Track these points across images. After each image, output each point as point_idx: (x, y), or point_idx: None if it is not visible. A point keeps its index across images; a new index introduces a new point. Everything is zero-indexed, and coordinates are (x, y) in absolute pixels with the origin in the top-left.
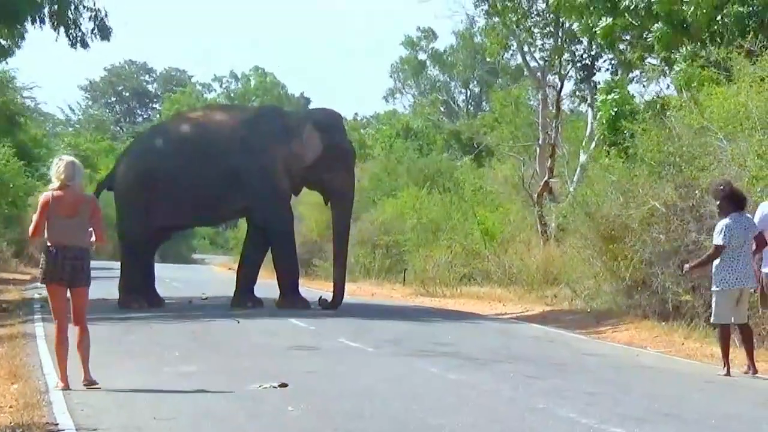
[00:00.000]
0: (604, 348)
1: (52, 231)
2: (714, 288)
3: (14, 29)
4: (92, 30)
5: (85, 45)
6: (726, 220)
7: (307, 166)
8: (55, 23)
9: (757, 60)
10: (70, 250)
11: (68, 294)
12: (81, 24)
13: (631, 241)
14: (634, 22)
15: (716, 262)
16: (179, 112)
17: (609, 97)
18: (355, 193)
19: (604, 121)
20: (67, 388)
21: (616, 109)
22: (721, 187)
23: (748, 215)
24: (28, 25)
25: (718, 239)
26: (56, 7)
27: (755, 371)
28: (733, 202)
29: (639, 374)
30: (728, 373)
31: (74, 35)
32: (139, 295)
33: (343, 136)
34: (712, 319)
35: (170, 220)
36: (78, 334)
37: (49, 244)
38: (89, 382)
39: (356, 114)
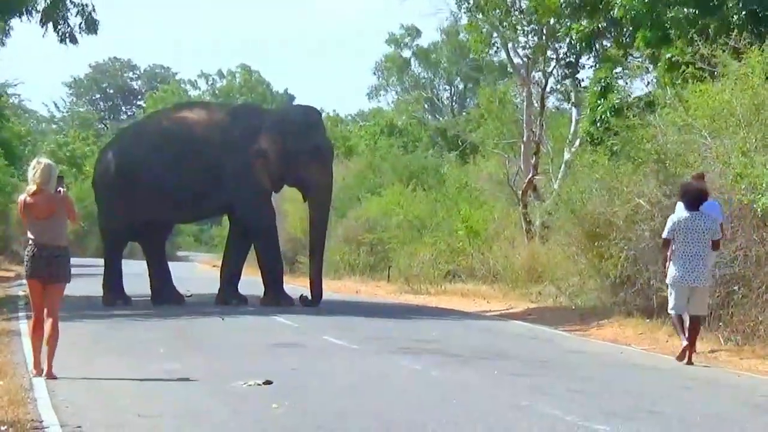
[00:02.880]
0: (588, 345)
1: (31, 231)
2: (666, 281)
3: (2, 23)
4: (80, 25)
5: (73, 40)
6: (674, 216)
7: (284, 163)
8: (43, 18)
9: (742, 57)
10: (48, 248)
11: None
12: (69, 19)
13: (616, 238)
14: (611, 29)
15: (670, 255)
16: (160, 109)
17: (596, 89)
18: (340, 191)
19: (590, 118)
20: (40, 375)
21: (603, 111)
22: (681, 184)
23: (712, 215)
24: (16, 20)
25: (664, 232)
26: (48, 1)
27: (690, 361)
28: (687, 200)
29: (623, 371)
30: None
31: (63, 31)
32: (122, 293)
33: (321, 134)
34: (669, 309)
35: (151, 216)
36: (48, 328)
37: (30, 242)
38: (50, 376)
39: (335, 111)
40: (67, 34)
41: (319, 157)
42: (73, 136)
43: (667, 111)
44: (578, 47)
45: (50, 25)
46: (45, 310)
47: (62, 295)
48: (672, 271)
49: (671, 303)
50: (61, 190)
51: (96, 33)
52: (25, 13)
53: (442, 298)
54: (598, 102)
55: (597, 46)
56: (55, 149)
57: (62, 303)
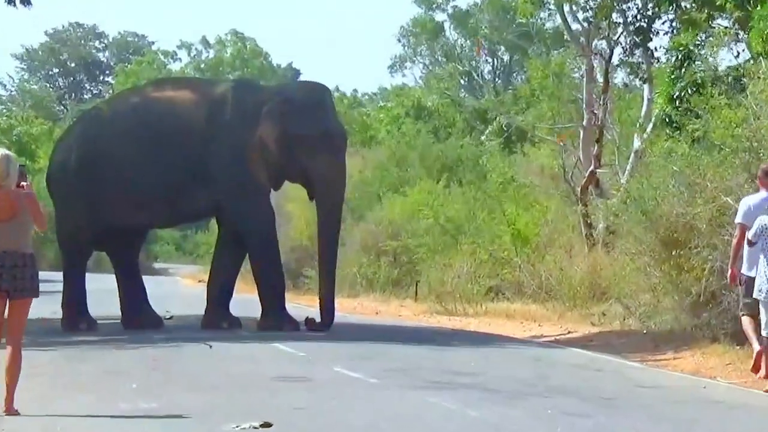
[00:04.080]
0: (663, 378)
1: None
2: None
3: None
4: None
5: (25, 2)
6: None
7: (281, 153)
8: None
9: None
10: (10, 256)
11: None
12: None
13: (698, 245)
14: None
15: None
16: (131, 87)
17: (673, 60)
18: (356, 188)
19: (665, 95)
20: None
21: (683, 86)
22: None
23: None
24: None
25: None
26: None
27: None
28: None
29: (706, 411)
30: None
31: None
32: (86, 314)
33: (330, 116)
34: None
35: (121, 220)
36: (9, 355)
37: None
38: (10, 410)
39: (355, 90)
40: None
41: (328, 145)
42: (20, 118)
43: (762, 87)
44: (653, 6)
45: None
46: (7, 331)
47: (27, 314)
48: (760, 283)
49: (765, 321)
50: (25, 185)
51: None
52: None
53: (482, 321)
54: (676, 76)
55: (675, 5)
56: None
57: (25, 327)
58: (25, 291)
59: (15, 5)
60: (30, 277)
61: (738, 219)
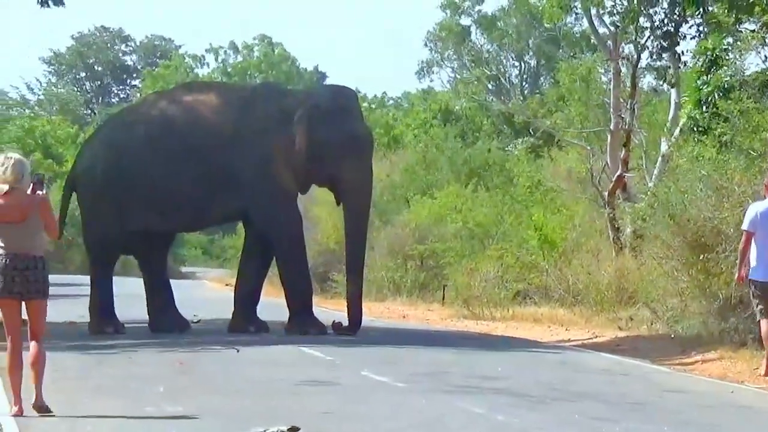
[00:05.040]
0: (690, 383)
1: (0, 238)
2: None
3: None
4: None
5: (58, 2)
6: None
7: (309, 157)
8: None
9: None
10: (22, 259)
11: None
12: None
13: (726, 250)
14: None
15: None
16: (159, 91)
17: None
18: (384, 191)
19: (693, 98)
20: (21, 413)
21: (710, 90)
22: None
23: None
24: None
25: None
26: None
27: None
28: None
29: (733, 415)
30: None
31: None
32: (114, 318)
33: (357, 120)
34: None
35: (148, 224)
36: (33, 352)
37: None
38: (40, 407)
39: (385, 93)
40: None
41: (356, 149)
42: (45, 120)
43: None
44: (680, 10)
45: None
46: (29, 335)
47: (45, 314)
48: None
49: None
50: (40, 193)
51: None
52: None
53: (509, 325)
54: (704, 79)
55: (702, 9)
56: (22, 135)
57: (49, 330)
58: (38, 293)
59: (48, 5)
60: (42, 280)
61: (744, 226)
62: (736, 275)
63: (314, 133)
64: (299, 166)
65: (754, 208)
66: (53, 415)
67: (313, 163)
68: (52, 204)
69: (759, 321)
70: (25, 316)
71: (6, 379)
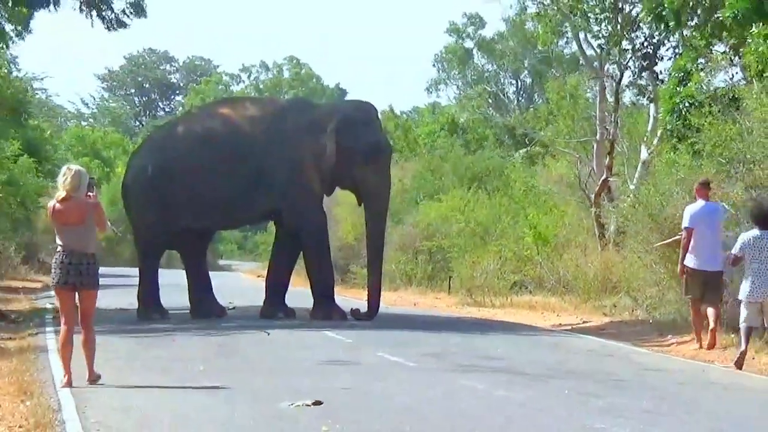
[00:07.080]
0: (667, 363)
1: (60, 237)
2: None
3: (24, 10)
4: (123, 10)
5: (122, 25)
6: (744, 235)
7: (336, 163)
8: (82, 4)
9: None
10: (77, 255)
11: (77, 298)
12: (113, 3)
13: None
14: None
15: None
16: (199, 105)
17: (675, 78)
18: (396, 194)
19: (667, 113)
20: (70, 385)
21: (681, 101)
22: (753, 203)
23: None
24: (58, 7)
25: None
26: None
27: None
28: (757, 221)
29: (705, 391)
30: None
31: (108, 16)
32: (159, 305)
33: (377, 131)
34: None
35: (190, 223)
36: (83, 334)
37: (58, 249)
38: (93, 380)
39: (394, 108)
40: (114, 20)
41: (376, 157)
42: (95, 129)
43: (754, 107)
44: (664, 27)
45: (94, 12)
46: (79, 320)
47: (95, 303)
48: (745, 287)
49: (743, 316)
50: (91, 195)
51: (145, 16)
52: (52, 2)
53: (507, 311)
54: (675, 92)
55: (679, 33)
56: (75, 143)
57: (103, 315)
58: (89, 285)
59: (116, 29)
60: (93, 273)
61: (685, 224)
62: (679, 268)
63: (343, 143)
64: (327, 171)
65: (689, 210)
66: (104, 385)
67: (339, 169)
68: (102, 206)
69: (690, 303)
70: (78, 303)
71: (59, 354)
